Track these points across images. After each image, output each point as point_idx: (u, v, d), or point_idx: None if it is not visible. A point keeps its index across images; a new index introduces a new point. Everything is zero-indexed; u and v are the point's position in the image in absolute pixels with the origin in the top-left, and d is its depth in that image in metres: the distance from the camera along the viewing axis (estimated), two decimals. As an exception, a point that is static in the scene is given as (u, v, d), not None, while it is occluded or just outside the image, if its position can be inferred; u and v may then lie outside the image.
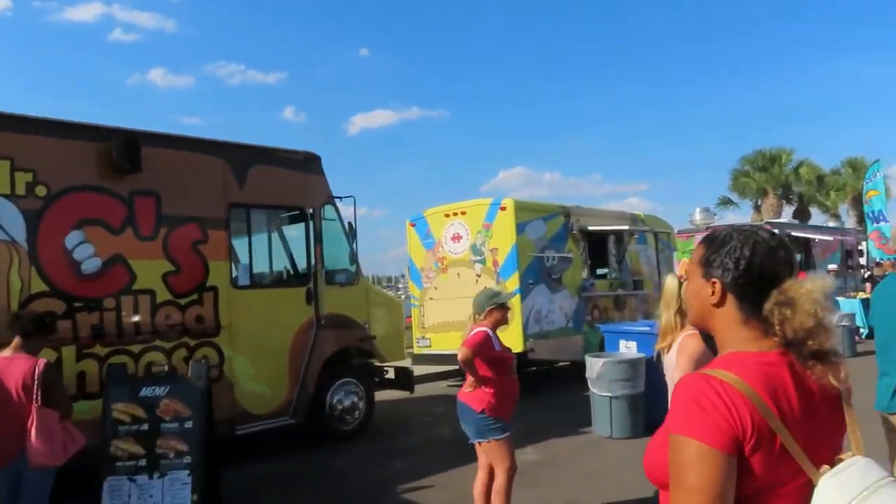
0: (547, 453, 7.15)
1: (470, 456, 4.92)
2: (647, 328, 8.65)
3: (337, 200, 8.19)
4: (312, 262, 7.87)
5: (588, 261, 12.21)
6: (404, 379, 8.91)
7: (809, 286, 1.37)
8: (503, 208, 10.79)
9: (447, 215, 11.53)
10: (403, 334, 8.98)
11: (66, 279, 6.01)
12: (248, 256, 7.49)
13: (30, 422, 3.99)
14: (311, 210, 7.90)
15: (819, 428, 1.34)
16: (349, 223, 8.22)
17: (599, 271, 13.30)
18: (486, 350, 4.54)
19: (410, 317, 12.18)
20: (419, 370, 12.06)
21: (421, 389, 11.57)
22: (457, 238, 11.35)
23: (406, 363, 12.81)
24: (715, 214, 19.11)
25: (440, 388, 11.90)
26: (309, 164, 7.96)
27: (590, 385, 8.06)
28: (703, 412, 1.26)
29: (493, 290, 4.96)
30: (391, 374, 9.07)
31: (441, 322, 11.44)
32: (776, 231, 1.54)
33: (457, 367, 11.68)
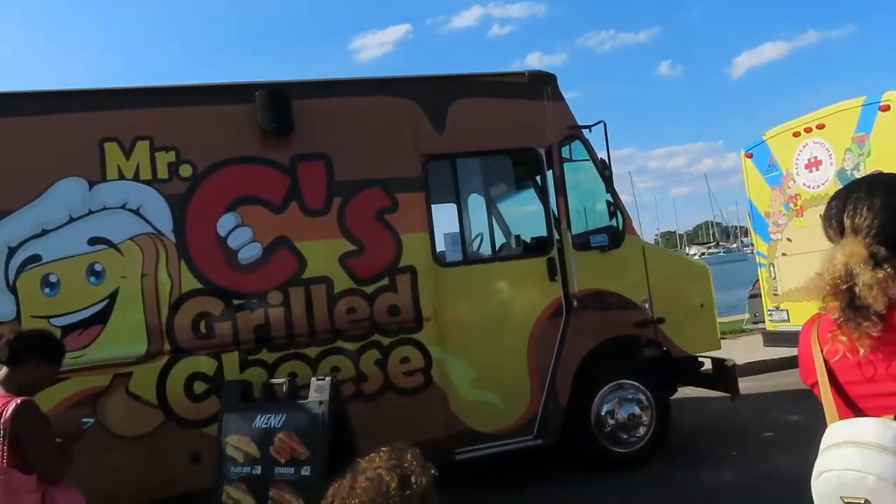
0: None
1: None
2: None
3: (584, 132, 5.80)
4: (553, 221, 5.67)
5: None
6: (723, 377, 6.06)
7: None
8: (885, 107, 6.91)
9: (797, 134, 7.97)
10: (714, 313, 6.12)
11: (222, 272, 4.97)
12: (459, 222, 5.64)
13: (-9, 489, 2.82)
14: (545, 150, 5.68)
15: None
16: (602, 161, 5.76)
17: None
18: None
19: (759, 281, 8.93)
20: (774, 353, 8.86)
21: (773, 381, 8.38)
22: (814, 164, 7.76)
23: (748, 348, 9.58)
24: None
25: (810, 379, 8.44)
26: (538, 87, 5.74)
27: None
28: None
29: None
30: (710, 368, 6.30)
31: (801, 286, 7.99)
32: None
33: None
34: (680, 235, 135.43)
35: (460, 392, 5.35)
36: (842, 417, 1.40)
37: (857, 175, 7.21)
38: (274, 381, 4.31)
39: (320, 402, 3.80)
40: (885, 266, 1.40)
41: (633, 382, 5.74)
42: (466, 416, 5.34)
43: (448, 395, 5.31)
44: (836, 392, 1.44)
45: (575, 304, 5.58)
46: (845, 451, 1.29)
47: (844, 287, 1.42)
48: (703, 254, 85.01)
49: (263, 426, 3.89)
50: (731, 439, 6.16)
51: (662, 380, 5.94)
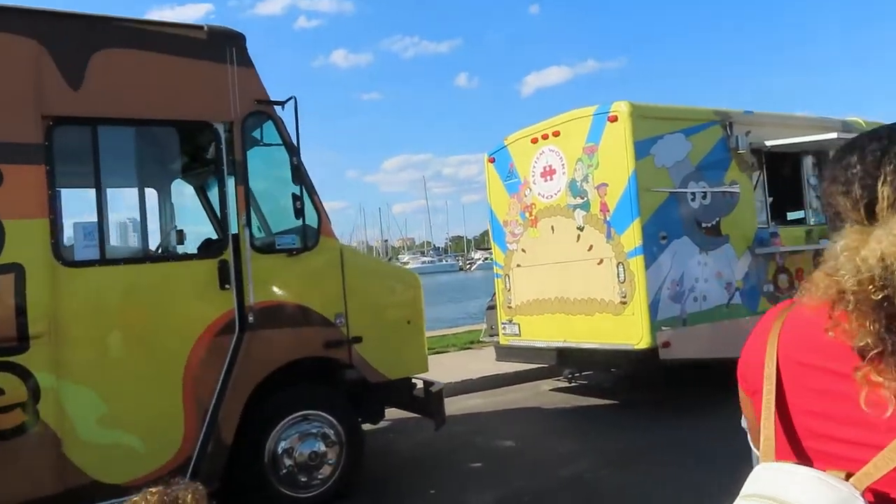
0: None
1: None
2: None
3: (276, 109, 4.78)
4: (229, 215, 4.59)
5: (769, 197, 7.75)
6: (429, 403, 5.38)
7: None
8: (613, 118, 6.73)
9: (534, 140, 7.66)
10: (422, 331, 5.42)
11: None
12: (98, 210, 4.33)
13: None
14: (225, 126, 4.59)
15: None
16: (291, 144, 4.79)
17: (791, 215, 8.75)
18: None
19: (496, 293, 8.58)
20: (508, 367, 8.56)
21: (501, 398, 8.03)
22: (549, 173, 7.48)
23: (487, 360, 9.31)
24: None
25: (537, 392, 8.22)
26: (219, 47, 4.62)
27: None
28: None
29: None
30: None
31: (533, 300, 7.71)
32: None
33: (554, 362, 7.91)
34: (468, 240, 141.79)
35: (82, 433, 4.07)
36: (778, 457, 1.01)
37: (587, 186, 7.00)
38: None
39: None
40: None
41: (321, 413, 4.83)
42: (89, 464, 4.07)
43: (62, 437, 4.00)
44: (779, 418, 1.04)
45: (251, 318, 4.54)
46: None
47: (879, 297, 0.92)
48: (486, 258, 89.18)
49: None
50: (436, 471, 5.49)
51: (360, 408, 5.12)
